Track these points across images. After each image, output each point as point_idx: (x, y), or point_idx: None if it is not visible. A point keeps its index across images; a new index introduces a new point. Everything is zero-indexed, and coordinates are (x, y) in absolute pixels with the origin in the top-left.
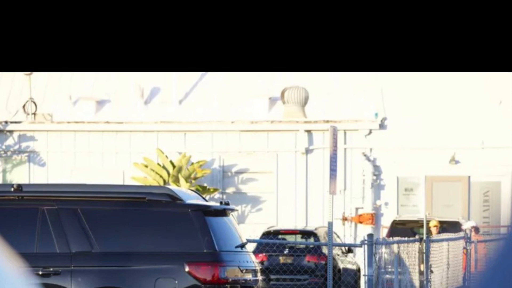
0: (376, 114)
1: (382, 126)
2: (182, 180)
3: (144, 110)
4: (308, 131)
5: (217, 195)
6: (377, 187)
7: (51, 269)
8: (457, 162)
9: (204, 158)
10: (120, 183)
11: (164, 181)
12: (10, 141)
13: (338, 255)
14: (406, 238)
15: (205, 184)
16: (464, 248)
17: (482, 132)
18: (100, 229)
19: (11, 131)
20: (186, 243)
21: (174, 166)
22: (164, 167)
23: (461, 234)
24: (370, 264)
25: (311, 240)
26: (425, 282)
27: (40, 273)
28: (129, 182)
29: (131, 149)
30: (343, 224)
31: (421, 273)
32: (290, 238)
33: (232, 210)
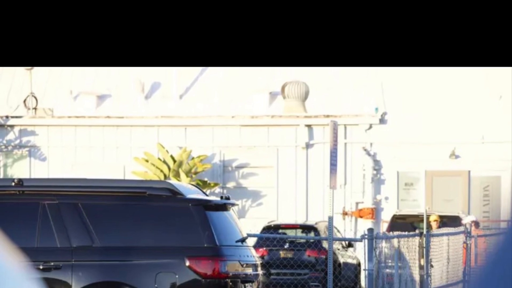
0: (376, 109)
1: (382, 120)
2: (182, 175)
3: (145, 105)
4: (309, 126)
5: (217, 189)
6: (377, 182)
7: (52, 264)
8: (457, 156)
9: (205, 153)
10: (121, 177)
11: (165, 175)
12: (11, 136)
13: (338, 249)
14: (406, 233)
15: (206, 179)
16: (464, 242)
17: (482, 127)
18: (100, 223)
19: (12, 126)
20: (186, 238)
21: (174, 161)
22: (164, 162)
23: (461, 228)
24: (370, 259)
25: (312, 234)
26: (425, 276)
27: (41, 267)
28: (129, 176)
29: (132, 144)
30: (344, 219)
31: (421, 267)
32: (290, 233)
33: (233, 204)
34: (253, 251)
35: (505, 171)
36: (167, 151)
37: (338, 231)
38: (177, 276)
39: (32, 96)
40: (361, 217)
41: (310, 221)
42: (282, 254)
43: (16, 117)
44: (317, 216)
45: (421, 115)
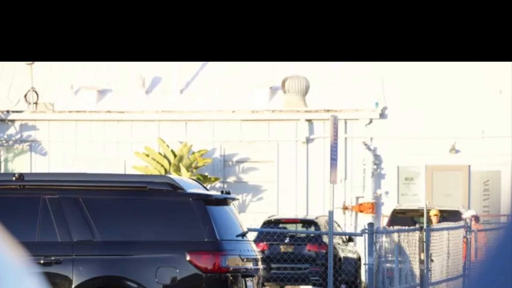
0: (377, 104)
1: (382, 115)
2: (183, 169)
3: (145, 100)
4: (309, 121)
5: (218, 184)
6: (377, 176)
7: (53, 258)
8: (457, 151)
9: (205, 148)
10: (122, 172)
11: (165, 170)
12: (11, 131)
13: (338, 244)
14: (406, 227)
15: (206, 173)
16: (464, 237)
17: (482, 122)
18: (101, 218)
19: (12, 121)
20: (187, 232)
21: (175, 156)
22: (165, 156)
23: (461, 223)
24: (370, 253)
25: (312, 229)
26: (425, 270)
27: (42, 262)
28: (130, 171)
29: (132, 139)
30: (344, 213)
31: (421, 262)
32: (291, 227)
33: (233, 199)
34: (253, 245)
35: (505, 166)
36: (167, 145)
37: (339, 225)
38: (177, 271)
39: (33, 90)
40: (361, 211)
41: (311, 216)
42: (282, 248)
43: (17, 111)
44: (318, 211)
45: (421, 110)
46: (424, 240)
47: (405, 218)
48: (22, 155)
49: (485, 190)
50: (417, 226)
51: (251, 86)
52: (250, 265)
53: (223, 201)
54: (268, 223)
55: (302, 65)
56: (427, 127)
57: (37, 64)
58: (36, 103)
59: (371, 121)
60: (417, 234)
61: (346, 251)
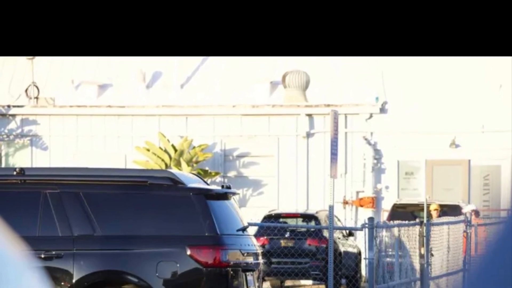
0: (377, 98)
1: (382, 110)
2: (183, 164)
3: (146, 94)
4: (309, 115)
5: (218, 178)
6: (377, 171)
7: (53, 253)
8: (457, 146)
9: (206, 142)
10: (122, 166)
11: (166, 164)
12: (12, 125)
13: (339, 238)
14: (406, 222)
15: (207, 168)
16: (464, 231)
17: (482, 116)
18: (102, 212)
19: (13, 115)
20: (187, 227)
21: (175, 150)
22: (166, 151)
23: (461, 217)
24: (370, 248)
25: (312, 223)
26: (425, 265)
27: (43, 256)
28: (131, 165)
29: (133, 133)
30: (344, 208)
31: (421, 256)
32: (291, 222)
33: (234, 193)
34: (254, 240)
35: (505, 160)
36: (168, 140)
37: (339, 220)
38: (178, 265)
39: (34, 85)
40: (361, 206)
41: (311, 210)
42: (283, 243)
43: (18, 106)
44: (318, 205)
45: (422, 105)
46: (424, 234)
47: (405, 212)
48: (23, 149)
49: (485, 184)
50: (417, 220)
51: (251, 81)
52: (250, 259)
53: (223, 196)
54: (268, 218)
55: (303, 60)
56: (427, 122)
57: (38, 59)
58: (37, 97)
59: (371, 116)
60: (417, 228)
61: (346, 246)
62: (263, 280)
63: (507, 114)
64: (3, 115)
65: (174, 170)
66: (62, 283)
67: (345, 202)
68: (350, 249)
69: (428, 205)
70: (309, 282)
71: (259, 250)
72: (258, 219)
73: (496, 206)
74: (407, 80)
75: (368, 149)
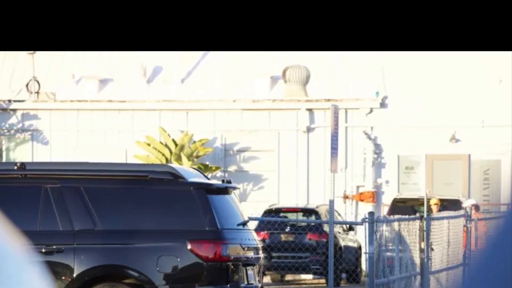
0: (377, 93)
1: (383, 104)
2: (184, 159)
3: (147, 89)
4: (310, 110)
5: (219, 173)
6: (378, 166)
7: (54, 247)
8: (457, 140)
9: (206, 137)
10: (123, 161)
11: (167, 159)
12: (13, 120)
13: (339, 233)
14: (406, 216)
15: (207, 163)
16: (464, 226)
17: (482, 111)
18: (102, 207)
19: (14, 110)
20: (188, 221)
21: (176, 145)
22: (166, 146)
23: (462, 212)
24: (371, 242)
25: (313, 218)
26: (425, 259)
27: (43, 250)
28: (131, 160)
29: (134, 128)
30: (344, 202)
31: (421, 250)
32: (291, 216)
33: (234, 188)
34: (254, 234)
35: (505, 155)
36: (168, 135)
37: (339, 214)
38: (178, 259)
39: (35, 80)
40: (361, 200)
41: (311, 205)
42: (283, 237)
43: (19, 101)
44: (318, 200)
45: (422, 99)
46: (425, 229)
47: (405, 207)
48: (24, 144)
49: (485, 179)
50: (418, 215)
51: (252, 76)
52: (251, 254)
53: (224, 190)
54: (269, 212)
55: (303, 54)
56: (427, 117)
57: (39, 53)
58: (37, 92)
59: (371, 111)
60: (417, 223)
61: (346, 240)
62: (264, 274)
63: (507, 109)
64: (4, 109)
65: (174, 164)
66: (63, 278)
67: (346, 197)
68: (351, 244)
69: (428, 200)
70: (310, 276)
71: (260, 245)
72: (259, 213)
73: (496, 200)
74: (407, 75)
75: (369, 143)
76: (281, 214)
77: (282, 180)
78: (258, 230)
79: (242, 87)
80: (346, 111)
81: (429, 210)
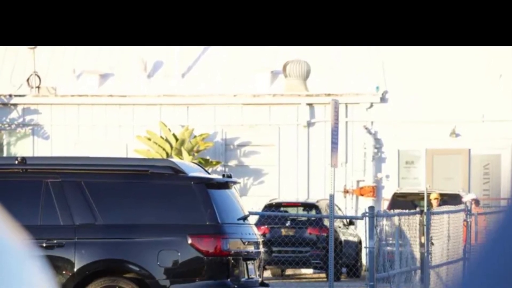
0: (377, 88)
1: (383, 99)
2: (184, 153)
3: (147, 84)
4: (310, 105)
5: (219, 168)
6: (378, 160)
7: (55, 241)
8: (457, 135)
9: (207, 131)
10: (123, 156)
11: (167, 154)
12: (14, 115)
13: (339, 227)
14: (407, 211)
15: (208, 157)
16: (464, 220)
17: (482, 106)
18: (103, 201)
19: (15, 105)
20: (188, 216)
21: (177, 139)
22: (167, 140)
23: (462, 206)
24: (371, 236)
25: (313, 212)
26: (425, 254)
27: (44, 245)
28: (132, 155)
29: (134, 122)
30: (345, 197)
31: (421, 245)
32: (292, 211)
33: (235, 182)
34: (254, 229)
35: (505, 149)
36: (169, 129)
37: (339, 209)
38: (179, 254)
39: (35, 75)
40: (362, 195)
41: (312, 199)
42: (283, 232)
43: (20, 95)
44: (318, 194)
45: (422, 94)
46: (425, 223)
47: (405, 201)
48: (25, 139)
49: (485, 173)
50: (418, 209)
51: (252, 70)
52: (251, 248)
53: (224, 185)
54: (269, 207)
55: (303, 49)
56: (427, 111)
57: (40, 48)
58: (38, 87)
59: (371, 105)
60: (417, 217)
61: (347, 235)
62: (264, 269)
63: (507, 104)
64: (5, 104)
65: (175, 159)
66: (64, 272)
67: (346, 191)
68: (351, 238)
69: (429, 194)
70: (310, 271)
71: (260, 239)
72: (259, 208)
73: (496, 195)
74: (408, 70)
75: (369, 138)
76: (282, 209)
77: (283, 174)
78: (258, 224)
79: (242, 82)
80: (346, 106)
81: (429, 204)
